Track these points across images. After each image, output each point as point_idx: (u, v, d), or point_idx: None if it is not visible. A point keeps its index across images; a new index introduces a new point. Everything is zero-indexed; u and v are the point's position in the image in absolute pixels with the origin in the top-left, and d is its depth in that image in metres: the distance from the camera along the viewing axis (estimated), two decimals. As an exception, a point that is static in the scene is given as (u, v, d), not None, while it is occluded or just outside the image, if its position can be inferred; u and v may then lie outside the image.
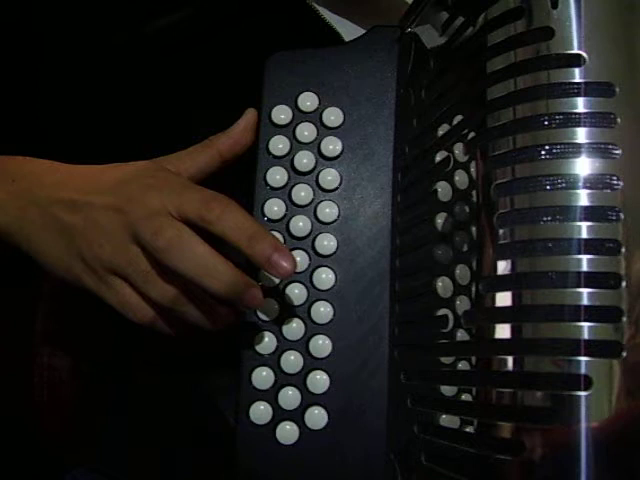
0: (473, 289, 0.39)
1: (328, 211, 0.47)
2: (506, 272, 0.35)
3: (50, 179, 0.47)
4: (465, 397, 0.40)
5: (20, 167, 0.48)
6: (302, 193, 0.47)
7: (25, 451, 0.58)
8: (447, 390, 0.41)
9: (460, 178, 0.42)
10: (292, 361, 0.45)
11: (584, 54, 0.34)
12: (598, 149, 0.33)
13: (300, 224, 0.47)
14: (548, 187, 0.34)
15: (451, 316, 0.41)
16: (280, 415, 0.44)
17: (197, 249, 0.42)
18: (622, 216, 0.33)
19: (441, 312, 0.42)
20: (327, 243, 0.46)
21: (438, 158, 0.44)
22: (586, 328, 0.32)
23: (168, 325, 0.46)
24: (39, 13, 0.49)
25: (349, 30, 0.52)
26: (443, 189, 0.43)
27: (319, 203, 0.47)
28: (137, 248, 0.43)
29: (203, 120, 0.52)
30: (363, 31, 0.50)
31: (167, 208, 0.43)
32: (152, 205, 0.43)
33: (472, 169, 0.41)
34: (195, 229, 0.43)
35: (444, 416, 0.40)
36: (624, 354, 0.31)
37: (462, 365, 0.41)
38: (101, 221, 0.44)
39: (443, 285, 0.42)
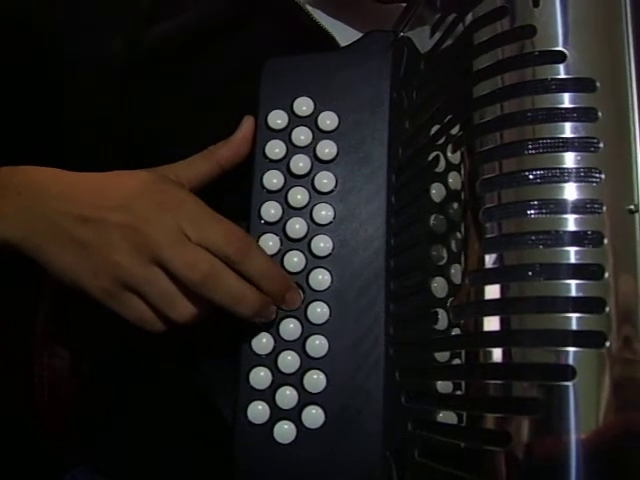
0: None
1: (324, 213, 0.47)
2: (493, 265, 0.36)
3: (56, 189, 0.47)
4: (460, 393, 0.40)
5: (24, 178, 0.48)
6: (298, 196, 0.48)
7: (25, 451, 0.58)
8: (443, 387, 0.41)
9: (454, 180, 0.43)
10: (289, 361, 0.45)
11: (566, 50, 0.35)
12: (581, 143, 0.34)
13: (296, 226, 0.47)
14: (533, 181, 0.34)
15: (446, 315, 0.41)
16: (277, 414, 0.45)
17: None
18: (604, 209, 0.33)
19: (436, 311, 0.42)
20: (323, 245, 0.47)
21: (430, 159, 0.44)
22: (574, 319, 0.33)
23: (179, 331, 0.46)
24: (38, 19, 0.50)
25: (344, 35, 0.53)
26: (437, 190, 0.44)
27: (315, 205, 0.48)
28: (157, 269, 0.44)
29: (200, 126, 0.53)
30: (359, 35, 0.51)
31: (186, 233, 0.44)
32: (170, 228, 0.44)
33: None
34: None
35: (441, 414, 0.41)
36: (607, 344, 0.32)
37: (456, 362, 0.41)
38: (116, 239, 0.44)
39: (438, 285, 0.42)
